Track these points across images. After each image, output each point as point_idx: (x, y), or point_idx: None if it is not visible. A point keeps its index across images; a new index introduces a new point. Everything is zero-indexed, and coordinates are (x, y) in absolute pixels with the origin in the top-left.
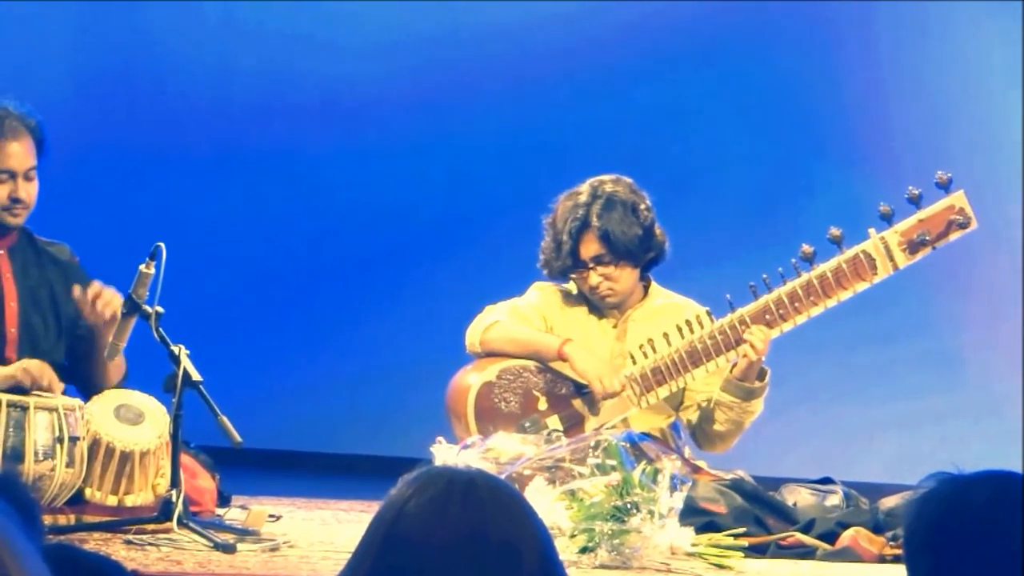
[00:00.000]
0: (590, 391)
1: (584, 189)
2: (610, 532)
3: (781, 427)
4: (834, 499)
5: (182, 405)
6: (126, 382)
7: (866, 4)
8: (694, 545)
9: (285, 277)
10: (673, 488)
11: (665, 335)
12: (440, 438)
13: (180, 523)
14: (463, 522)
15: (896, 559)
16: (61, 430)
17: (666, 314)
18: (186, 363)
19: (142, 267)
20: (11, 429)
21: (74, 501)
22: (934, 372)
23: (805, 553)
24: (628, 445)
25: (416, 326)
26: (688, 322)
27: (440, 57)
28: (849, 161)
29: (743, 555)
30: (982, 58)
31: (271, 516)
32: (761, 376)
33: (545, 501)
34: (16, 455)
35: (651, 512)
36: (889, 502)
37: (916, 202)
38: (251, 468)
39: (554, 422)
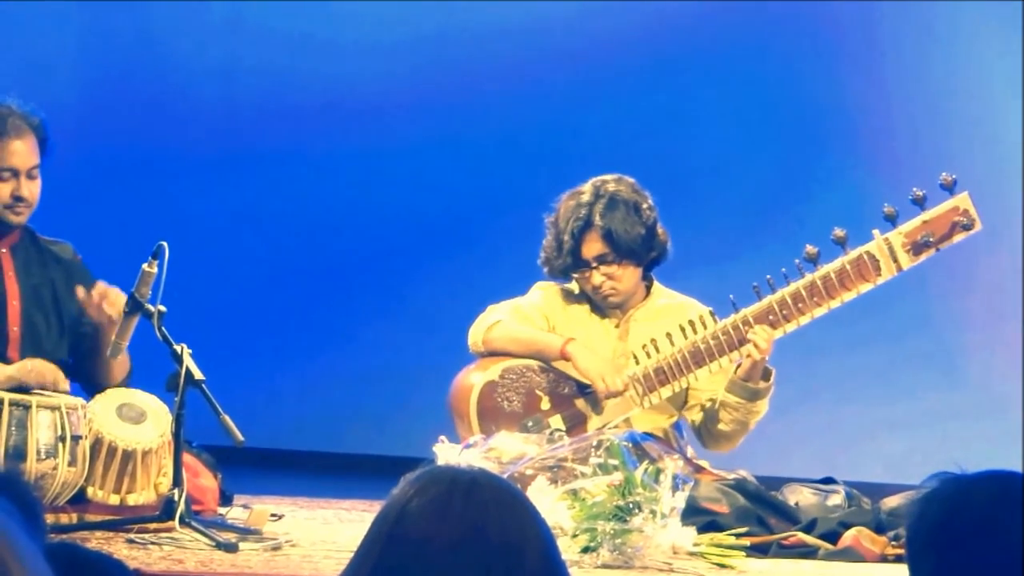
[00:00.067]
0: (593, 391)
1: (587, 188)
2: (612, 532)
3: (783, 427)
4: (836, 499)
5: (184, 404)
6: (130, 381)
7: (868, 4)
8: (696, 545)
9: (288, 276)
10: (675, 488)
11: (668, 335)
12: (443, 437)
13: (182, 522)
14: (465, 522)
15: (898, 559)
16: (63, 429)
17: (669, 314)
18: (188, 362)
19: (145, 266)
20: (13, 428)
21: (76, 500)
22: (935, 372)
23: (807, 553)
24: (630, 445)
25: (419, 325)
26: (691, 322)
27: (442, 58)
28: (852, 162)
29: (745, 555)
30: (983, 59)
31: (273, 515)
32: (766, 376)
33: (547, 501)
34: (18, 454)
35: (653, 512)
36: (891, 502)
37: (920, 203)
38: (253, 467)
39: (556, 422)
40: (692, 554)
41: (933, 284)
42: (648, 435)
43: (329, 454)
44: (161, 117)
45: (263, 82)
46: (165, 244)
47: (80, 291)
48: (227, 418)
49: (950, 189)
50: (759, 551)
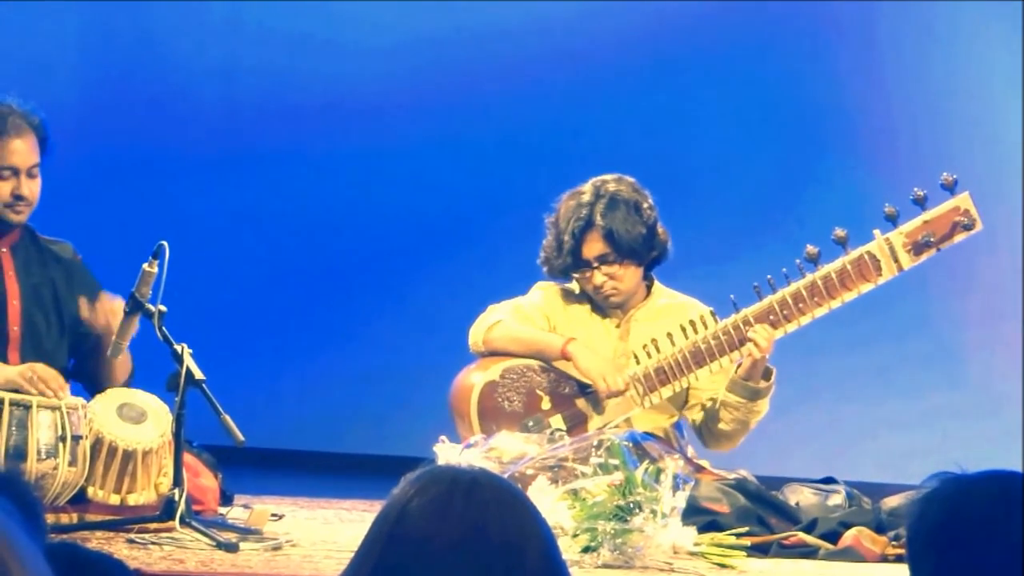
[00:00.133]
0: (594, 390)
1: (587, 188)
2: (613, 531)
3: (783, 426)
4: (837, 499)
5: (185, 404)
6: (132, 381)
7: (867, 4)
8: (697, 544)
9: (288, 276)
10: (676, 487)
11: (669, 335)
12: (443, 437)
13: (183, 522)
14: (466, 521)
15: (899, 559)
16: (64, 429)
17: (669, 313)
18: (189, 362)
19: (145, 266)
20: (14, 428)
21: (77, 500)
22: (935, 371)
23: (807, 553)
24: (631, 444)
25: (419, 325)
26: (692, 322)
27: (442, 58)
28: (852, 162)
29: (745, 554)
30: (983, 59)
31: (273, 515)
32: (767, 376)
33: (548, 500)
34: (19, 454)
35: (654, 511)
36: (892, 502)
37: (921, 203)
38: (254, 467)
39: (557, 421)
40: (693, 554)
41: (933, 284)
42: (649, 435)
43: (329, 454)
44: (161, 117)
45: (263, 82)
46: (165, 244)
47: (84, 309)
48: (227, 418)
49: (951, 189)
50: (760, 551)
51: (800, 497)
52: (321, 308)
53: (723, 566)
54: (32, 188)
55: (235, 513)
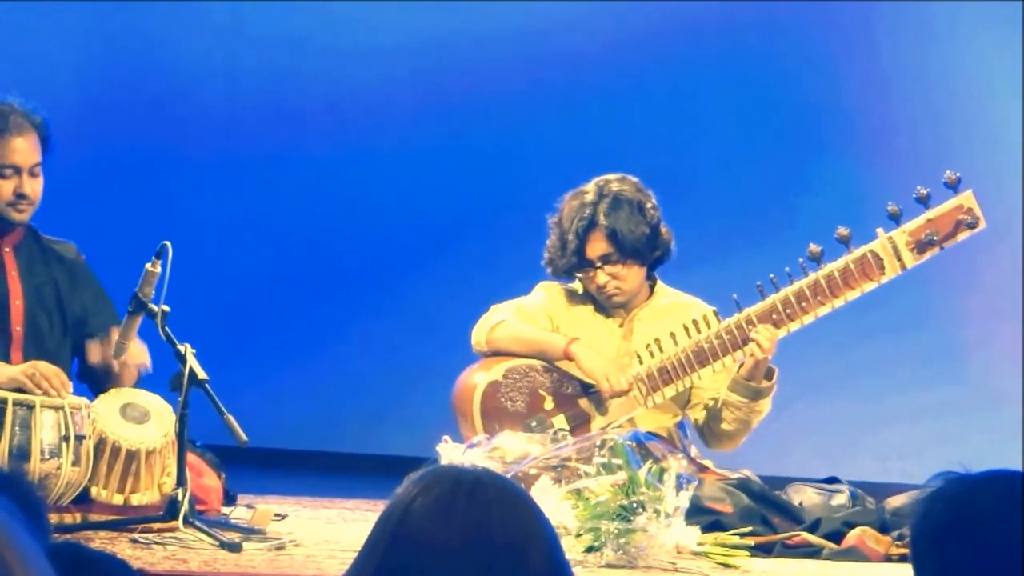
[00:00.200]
0: (597, 390)
1: (590, 188)
2: (616, 531)
3: (785, 425)
4: (840, 498)
5: (188, 404)
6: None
7: (867, 4)
8: (700, 544)
9: (291, 276)
10: (679, 487)
11: (672, 335)
12: (446, 437)
13: (186, 522)
14: (469, 521)
15: (902, 558)
16: (67, 429)
17: (672, 313)
18: (192, 362)
19: (148, 266)
20: (17, 427)
21: (80, 500)
22: (935, 368)
23: (811, 552)
24: (634, 444)
25: (422, 325)
26: (695, 321)
27: (442, 60)
28: (854, 160)
29: (749, 554)
30: (983, 59)
31: (277, 515)
32: (769, 376)
33: (551, 500)
34: (22, 453)
35: (657, 511)
36: (895, 501)
37: (924, 202)
38: (257, 467)
39: (560, 421)
40: (696, 554)
41: (933, 282)
42: (652, 435)
43: (333, 454)
44: (163, 118)
45: (264, 83)
46: (168, 244)
47: (95, 354)
48: (231, 418)
49: (954, 187)
50: (763, 551)
51: (804, 497)
52: (323, 308)
53: (726, 566)
54: (34, 187)
55: (238, 513)
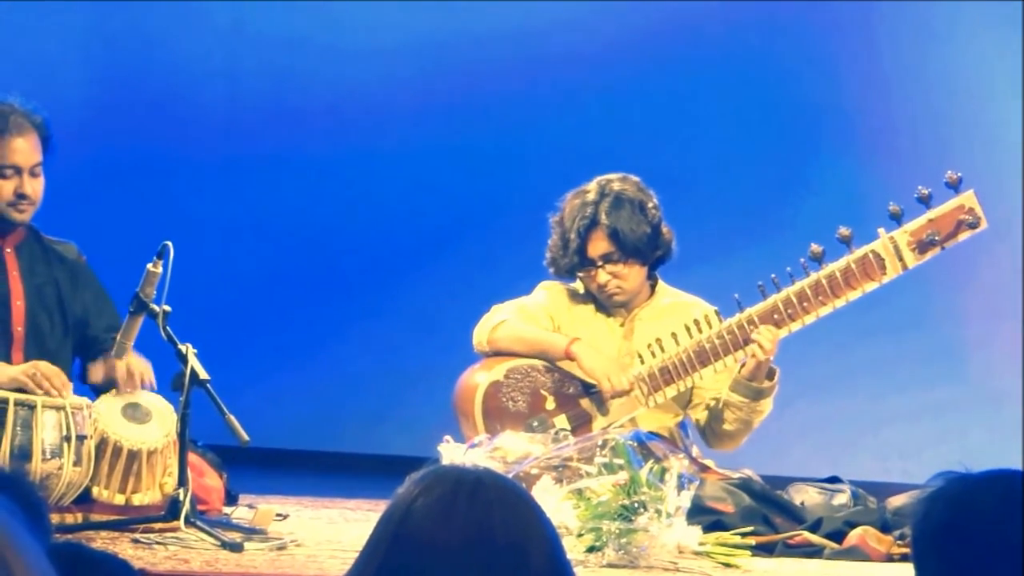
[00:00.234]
0: (598, 390)
1: (592, 187)
2: (617, 531)
3: (786, 424)
4: (841, 498)
5: (189, 404)
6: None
7: (867, 4)
8: (701, 544)
9: (292, 276)
10: (680, 487)
11: (673, 334)
12: (447, 437)
13: (187, 522)
14: (470, 521)
15: (904, 558)
16: (68, 429)
17: (674, 313)
18: (193, 362)
19: (149, 266)
20: (18, 428)
21: (81, 500)
22: (935, 368)
23: (813, 552)
24: (635, 444)
25: (424, 325)
26: (696, 321)
27: (442, 60)
28: (854, 160)
29: (750, 554)
30: (983, 58)
31: (278, 515)
32: (770, 376)
33: (552, 500)
34: (23, 454)
35: (658, 511)
36: (897, 501)
37: (926, 202)
38: (258, 467)
39: (561, 421)
40: (698, 553)
41: (934, 282)
42: (653, 434)
43: (334, 454)
44: (164, 118)
45: (265, 84)
46: (170, 244)
47: (97, 371)
48: (232, 418)
49: (955, 187)
50: (765, 550)
51: (805, 496)
52: (324, 308)
53: (728, 565)
54: (35, 187)
55: (240, 513)
